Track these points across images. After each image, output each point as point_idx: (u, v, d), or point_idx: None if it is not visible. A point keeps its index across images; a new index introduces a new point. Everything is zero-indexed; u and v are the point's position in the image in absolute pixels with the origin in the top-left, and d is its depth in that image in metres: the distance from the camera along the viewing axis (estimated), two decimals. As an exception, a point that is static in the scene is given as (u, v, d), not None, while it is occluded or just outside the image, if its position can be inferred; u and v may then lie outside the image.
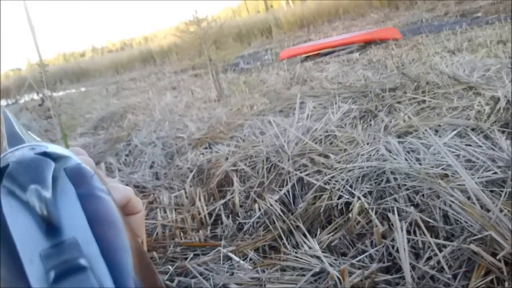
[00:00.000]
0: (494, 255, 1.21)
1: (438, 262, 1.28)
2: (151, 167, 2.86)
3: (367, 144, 2.06)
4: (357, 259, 1.43)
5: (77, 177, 0.24)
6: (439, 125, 2.07)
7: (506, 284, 1.16)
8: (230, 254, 1.64)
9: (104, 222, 0.22)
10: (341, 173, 1.85)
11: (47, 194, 0.22)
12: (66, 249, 0.20)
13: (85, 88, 9.83)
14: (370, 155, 1.92)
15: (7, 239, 0.21)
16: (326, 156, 2.06)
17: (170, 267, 1.62)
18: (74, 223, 0.21)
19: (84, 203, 0.23)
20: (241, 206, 2.08)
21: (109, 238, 0.21)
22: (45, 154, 0.25)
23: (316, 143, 2.21)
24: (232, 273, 1.51)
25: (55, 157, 0.25)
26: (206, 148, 2.86)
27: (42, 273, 0.19)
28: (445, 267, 1.25)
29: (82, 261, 0.19)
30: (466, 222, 1.34)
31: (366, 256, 1.44)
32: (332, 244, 1.55)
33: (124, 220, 0.24)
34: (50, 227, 0.21)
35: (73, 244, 0.20)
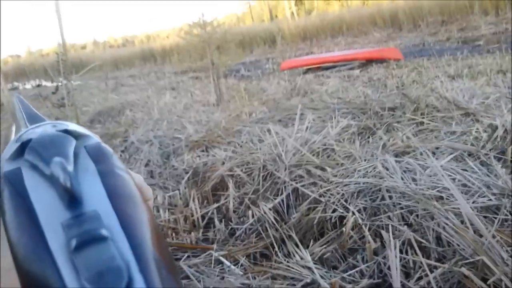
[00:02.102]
0: (484, 280, 1.22)
1: (429, 282, 1.29)
2: (146, 165, 2.86)
3: (364, 160, 2.07)
4: (348, 273, 1.44)
5: (97, 154, 0.25)
6: (437, 148, 2.09)
7: (494, 309, 1.18)
8: (222, 259, 1.64)
9: (124, 197, 0.23)
10: (336, 187, 1.86)
11: (70, 168, 0.22)
12: (88, 219, 0.20)
13: (84, 81, 9.79)
14: (367, 171, 1.93)
15: (29, 210, 0.21)
16: (323, 169, 2.07)
17: (160, 266, 1.62)
18: (95, 197, 0.22)
19: (104, 179, 0.23)
20: (234, 211, 2.08)
21: (128, 212, 0.22)
22: (66, 132, 0.26)
23: (313, 155, 2.22)
24: (223, 277, 1.51)
25: (76, 135, 0.26)
26: (203, 151, 2.87)
27: (63, 241, 0.19)
28: (435, 288, 1.26)
29: (103, 231, 0.19)
30: (459, 245, 1.36)
31: (357, 271, 1.44)
32: (324, 256, 1.56)
33: (142, 199, 0.24)
34: (72, 199, 0.21)
35: (94, 215, 0.20)
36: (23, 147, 0.25)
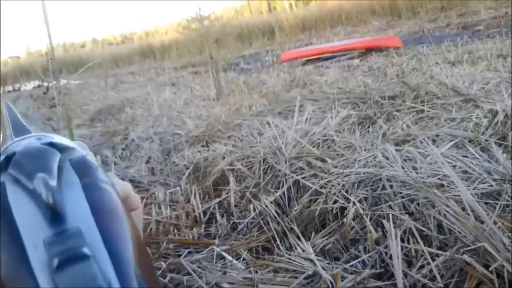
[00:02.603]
0: (486, 266, 1.22)
1: (431, 271, 1.28)
2: (147, 162, 2.86)
3: (365, 150, 2.06)
4: (350, 264, 1.43)
5: (82, 168, 0.25)
6: (437, 135, 2.08)
7: (497, 296, 1.17)
8: (224, 253, 1.65)
9: (107, 213, 0.23)
10: (337, 177, 1.85)
11: (53, 183, 0.22)
12: (70, 237, 0.20)
13: (83, 80, 9.80)
14: (367, 161, 1.93)
15: (11, 225, 0.21)
16: (323, 160, 2.06)
17: (162, 263, 1.62)
18: (78, 213, 0.22)
19: (88, 193, 0.23)
20: (236, 205, 2.08)
21: (111, 228, 0.22)
22: (51, 145, 0.26)
23: (313, 146, 2.22)
24: (225, 272, 1.51)
25: (61, 148, 0.26)
26: (203, 146, 2.86)
27: (45, 259, 0.19)
28: (437, 276, 1.26)
29: (85, 250, 0.19)
30: (460, 233, 1.35)
31: (359, 262, 1.44)
32: (326, 248, 1.55)
33: (126, 213, 0.24)
34: (54, 215, 0.21)
35: (77, 232, 0.20)
36: (7, 160, 0.25)
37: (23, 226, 0.21)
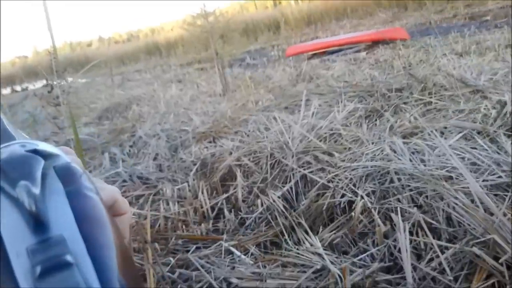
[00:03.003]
0: (496, 258, 1.21)
1: (440, 263, 1.28)
2: (154, 159, 2.87)
3: (372, 143, 2.05)
4: (359, 258, 1.43)
5: (66, 175, 0.25)
6: (445, 127, 2.06)
7: (507, 288, 1.17)
8: (232, 248, 1.65)
9: (91, 221, 0.23)
10: (345, 171, 1.85)
11: (36, 190, 0.22)
12: (53, 245, 0.20)
13: (90, 78, 9.84)
14: (375, 154, 1.92)
15: None
16: (330, 154, 2.06)
17: (171, 259, 1.63)
18: (62, 220, 0.22)
19: (72, 201, 0.23)
20: (243, 201, 2.08)
21: (95, 236, 0.22)
22: (35, 152, 0.26)
23: (320, 141, 2.21)
24: (233, 267, 1.51)
25: (45, 155, 0.26)
26: (210, 142, 2.87)
27: (28, 267, 0.19)
28: (447, 269, 1.25)
29: (68, 258, 0.19)
30: (469, 225, 1.34)
31: (367, 255, 1.44)
32: (334, 242, 1.55)
33: (111, 219, 0.24)
34: (37, 223, 0.21)
35: (60, 240, 0.20)
36: None
37: (6, 234, 0.21)
